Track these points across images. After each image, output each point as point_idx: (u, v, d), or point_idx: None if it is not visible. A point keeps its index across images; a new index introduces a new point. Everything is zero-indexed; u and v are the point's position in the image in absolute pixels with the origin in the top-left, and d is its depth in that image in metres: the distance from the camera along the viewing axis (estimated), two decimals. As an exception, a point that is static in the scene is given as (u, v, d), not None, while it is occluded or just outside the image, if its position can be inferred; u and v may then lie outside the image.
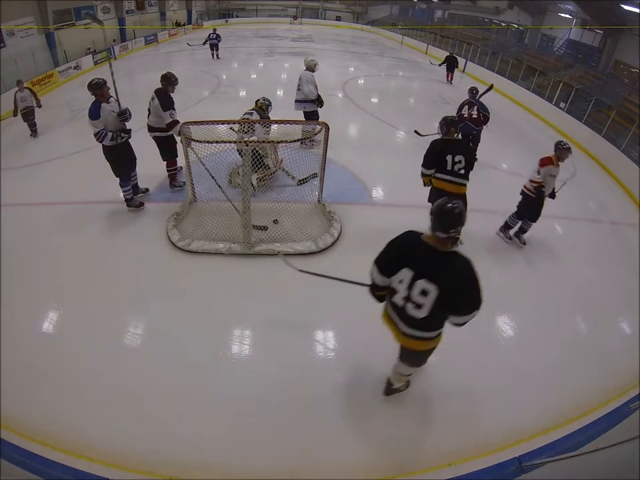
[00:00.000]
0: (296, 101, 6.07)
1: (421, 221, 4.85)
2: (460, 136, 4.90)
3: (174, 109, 4.40)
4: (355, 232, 4.30)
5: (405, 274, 1.91)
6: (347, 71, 12.50)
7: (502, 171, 6.41)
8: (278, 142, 4.31)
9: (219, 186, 4.23)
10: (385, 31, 25.53)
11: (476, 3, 20.41)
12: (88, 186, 5.00)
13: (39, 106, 6.96)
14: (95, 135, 3.95)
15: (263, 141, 4.22)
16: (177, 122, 4.38)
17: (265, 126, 4.47)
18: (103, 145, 4.11)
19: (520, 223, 4.31)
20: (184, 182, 4.91)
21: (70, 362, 2.87)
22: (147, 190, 4.91)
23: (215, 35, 12.92)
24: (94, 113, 3.89)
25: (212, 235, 4.01)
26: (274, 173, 5.06)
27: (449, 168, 3.53)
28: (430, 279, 1.83)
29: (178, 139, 4.46)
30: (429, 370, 2.93)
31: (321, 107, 6.07)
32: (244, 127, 4.26)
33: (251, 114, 5.01)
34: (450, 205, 1.81)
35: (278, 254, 3.24)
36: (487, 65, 13.84)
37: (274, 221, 4.24)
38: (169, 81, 4.42)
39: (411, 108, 8.78)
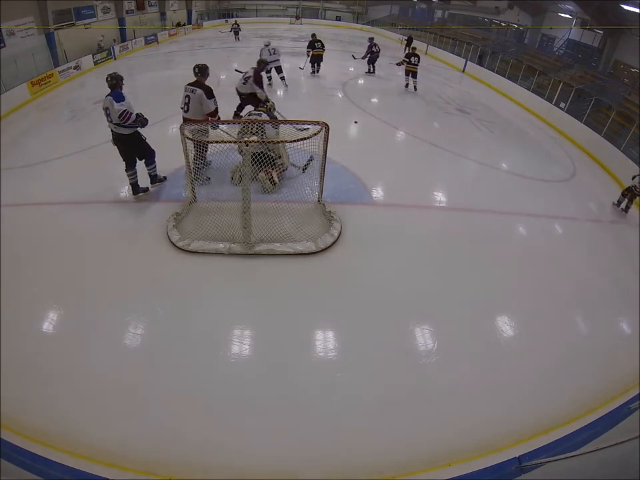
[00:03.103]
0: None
1: (421, 220, 4.84)
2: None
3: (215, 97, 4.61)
4: (355, 232, 4.30)
5: None
6: (346, 70, 12.48)
7: (502, 170, 6.41)
8: (278, 142, 4.31)
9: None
10: (384, 31, 25.50)
11: (476, 3, 20.38)
12: (87, 186, 5.00)
13: None
14: (121, 114, 4.10)
15: (263, 141, 4.21)
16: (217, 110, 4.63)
17: (275, 127, 4.47)
18: (121, 135, 4.28)
19: None
20: (208, 177, 4.96)
21: (70, 362, 2.87)
22: (164, 178, 4.99)
23: (236, 26, 19.40)
24: (119, 97, 4.13)
25: (212, 235, 4.00)
26: (286, 169, 5.07)
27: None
28: None
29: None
30: (429, 370, 2.94)
31: None
32: (251, 128, 4.24)
33: (259, 114, 5.00)
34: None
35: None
36: (487, 64, 13.83)
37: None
38: (203, 71, 4.60)
39: (411, 107, 8.79)
